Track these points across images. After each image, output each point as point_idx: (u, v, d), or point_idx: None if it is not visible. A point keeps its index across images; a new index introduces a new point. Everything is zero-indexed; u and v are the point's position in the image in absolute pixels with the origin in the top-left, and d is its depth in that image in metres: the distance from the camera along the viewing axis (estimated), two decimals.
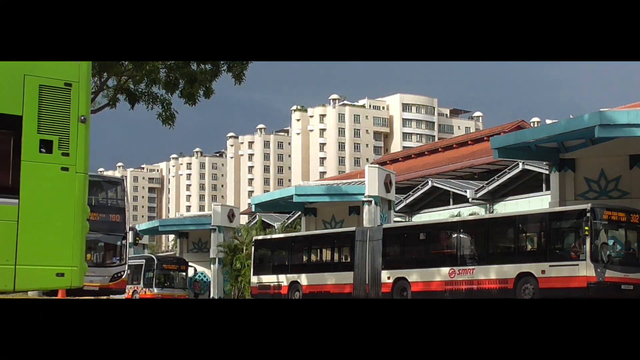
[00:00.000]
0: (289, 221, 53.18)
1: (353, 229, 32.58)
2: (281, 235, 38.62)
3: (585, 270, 23.45)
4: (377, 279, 29.45)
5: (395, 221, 40.24)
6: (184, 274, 46.65)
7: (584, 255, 23.58)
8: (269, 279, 34.23)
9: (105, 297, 26.82)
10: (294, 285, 32.96)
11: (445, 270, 27.14)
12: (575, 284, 23.53)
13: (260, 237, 38.16)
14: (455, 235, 28.26)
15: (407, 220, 51.74)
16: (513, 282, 24.97)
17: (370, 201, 35.38)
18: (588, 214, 23.57)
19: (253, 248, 36.38)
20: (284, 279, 33.48)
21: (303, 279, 32.71)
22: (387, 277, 29.06)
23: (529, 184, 47.22)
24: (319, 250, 34.21)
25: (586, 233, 23.46)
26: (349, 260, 31.23)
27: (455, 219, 33.35)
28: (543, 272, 24.40)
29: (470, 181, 53.74)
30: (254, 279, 35.15)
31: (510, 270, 25.27)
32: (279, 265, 34.73)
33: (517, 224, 26.74)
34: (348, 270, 30.65)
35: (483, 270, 26.18)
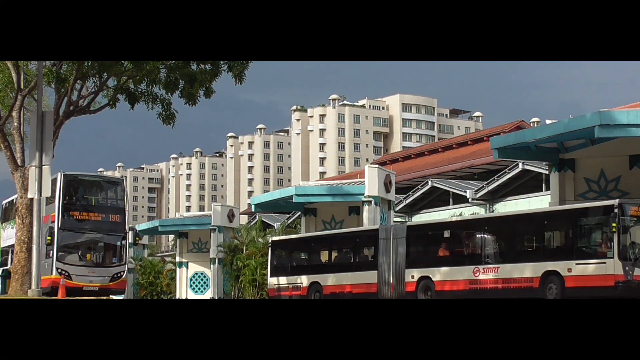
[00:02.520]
0: (289, 221, 53.19)
1: (376, 227, 31.79)
2: (300, 236, 37.69)
3: (613, 268, 22.57)
4: (401, 278, 28.62)
5: (395, 221, 40.15)
6: None
7: (611, 252, 22.71)
8: (287, 280, 33.39)
9: (105, 297, 26.82)
10: (314, 285, 32.03)
11: (469, 268, 26.33)
12: (602, 282, 22.67)
13: (277, 238, 37.30)
14: (480, 232, 27.42)
15: (407, 220, 51.73)
16: (539, 281, 24.18)
17: (370, 201, 35.35)
18: (615, 210, 22.73)
19: (270, 249, 35.44)
20: (303, 280, 32.61)
21: (323, 280, 31.77)
22: (411, 276, 28.20)
23: (529, 184, 47.23)
24: (340, 249, 33.20)
25: (614, 230, 22.60)
26: (372, 259, 30.26)
27: (480, 216, 31.79)
28: (569, 270, 23.53)
29: (470, 181, 53.75)
30: (271, 281, 34.27)
31: (535, 269, 24.44)
32: (298, 266, 33.95)
33: (542, 220, 25.92)
34: (371, 270, 29.72)
35: (508, 268, 25.33)
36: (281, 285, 33.54)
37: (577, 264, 23.47)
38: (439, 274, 27.38)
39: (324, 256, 33.85)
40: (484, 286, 25.75)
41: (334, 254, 33.33)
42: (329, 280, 31.62)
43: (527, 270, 24.74)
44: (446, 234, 28.59)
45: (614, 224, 22.62)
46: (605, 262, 22.83)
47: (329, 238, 34.38)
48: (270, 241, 36.42)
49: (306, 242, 35.20)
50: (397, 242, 29.03)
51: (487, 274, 25.77)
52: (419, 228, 30.94)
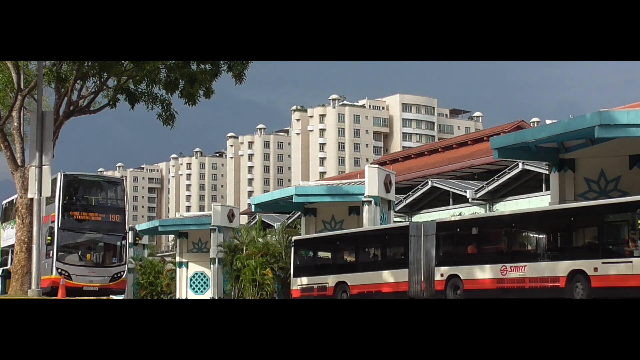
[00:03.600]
0: (289, 221, 53.19)
1: (406, 223, 31.10)
2: (325, 234, 36.40)
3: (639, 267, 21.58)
4: (431, 277, 27.81)
5: (395, 221, 40.13)
6: None
7: (638, 251, 21.71)
8: (312, 280, 32.46)
9: (105, 297, 26.81)
10: (341, 285, 31.10)
11: (496, 267, 25.43)
12: (629, 282, 21.63)
13: (300, 237, 36.27)
14: (507, 229, 26.56)
15: (406, 220, 51.71)
16: (565, 280, 23.23)
17: (370, 201, 35.33)
18: None
19: (292, 249, 34.61)
20: (329, 280, 31.67)
21: (350, 279, 30.85)
22: (440, 274, 27.38)
23: (529, 184, 47.22)
24: (367, 248, 32.16)
25: (639, 227, 21.61)
26: (402, 257, 29.20)
27: (508, 212, 30.02)
28: (595, 269, 22.50)
29: (470, 181, 53.73)
30: (295, 282, 33.32)
31: (561, 268, 23.54)
32: (323, 266, 33.17)
33: (569, 217, 24.81)
34: (401, 268, 28.81)
35: (534, 267, 24.46)
36: (306, 286, 32.75)
37: (603, 262, 22.49)
38: (466, 272, 26.64)
39: (350, 255, 32.91)
40: (510, 285, 24.92)
41: (361, 253, 32.41)
42: (356, 279, 30.71)
43: (554, 269, 23.90)
44: (474, 230, 27.80)
45: (639, 221, 21.75)
46: (632, 262, 21.86)
47: (355, 236, 33.32)
48: (292, 240, 35.56)
49: (331, 240, 34.21)
50: (427, 239, 28.27)
51: (514, 273, 24.97)
52: (448, 225, 29.72)
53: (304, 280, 32.99)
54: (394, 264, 29.67)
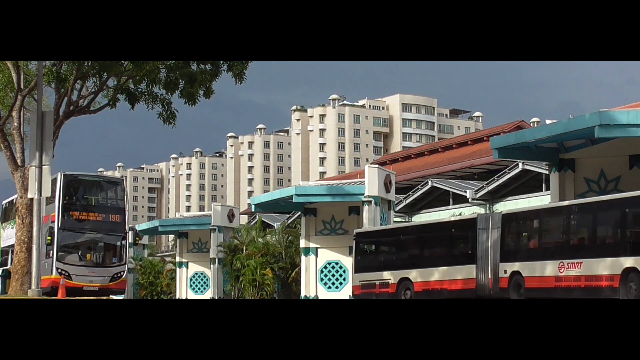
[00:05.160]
0: (289, 221, 53.18)
1: (474, 215, 29.28)
2: (388, 227, 34.51)
3: None
4: (497, 274, 26.10)
5: (395, 221, 40.08)
6: None
7: None
8: (373, 276, 30.86)
9: (105, 297, 26.82)
10: (404, 282, 29.40)
11: (555, 263, 23.75)
12: None
13: (362, 230, 33.86)
14: (565, 222, 24.77)
15: (407, 220, 51.71)
16: (619, 279, 21.36)
17: (370, 201, 35.30)
18: None
19: (354, 242, 32.59)
20: (391, 276, 30.04)
21: (415, 275, 29.13)
22: (503, 270, 25.66)
23: (529, 184, 47.26)
24: (432, 241, 30.32)
25: None
26: (469, 252, 27.39)
27: (567, 203, 27.07)
28: None
29: (470, 181, 53.77)
30: (356, 277, 31.80)
31: (615, 265, 21.70)
32: (386, 261, 31.48)
33: (623, 208, 22.55)
34: (468, 264, 27.08)
35: (590, 264, 22.58)
36: (367, 282, 31.33)
37: None
38: (527, 269, 24.93)
39: (414, 249, 31.09)
40: (568, 284, 23.24)
41: (426, 247, 30.61)
42: (421, 275, 29.04)
43: (609, 267, 22.10)
44: (535, 223, 26.14)
45: None
46: None
47: (419, 229, 32.22)
48: (354, 233, 33.62)
49: (395, 234, 32.70)
50: (494, 233, 26.65)
51: (571, 270, 23.29)
52: (512, 217, 27.38)
53: (365, 276, 31.49)
54: (461, 259, 27.80)
